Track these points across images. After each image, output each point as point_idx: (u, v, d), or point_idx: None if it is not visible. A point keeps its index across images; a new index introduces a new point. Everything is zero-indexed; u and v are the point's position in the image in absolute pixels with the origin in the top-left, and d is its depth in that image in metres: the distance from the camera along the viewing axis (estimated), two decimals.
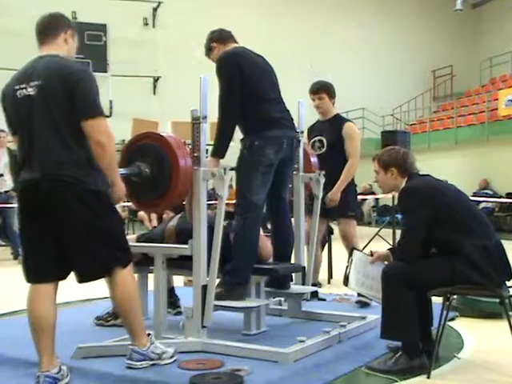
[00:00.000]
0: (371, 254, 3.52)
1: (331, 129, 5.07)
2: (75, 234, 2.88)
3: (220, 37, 3.99)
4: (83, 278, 3.00)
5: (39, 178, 2.84)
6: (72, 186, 2.83)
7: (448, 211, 3.18)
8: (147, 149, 3.44)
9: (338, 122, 5.11)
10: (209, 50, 4.01)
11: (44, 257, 2.91)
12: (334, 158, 4.94)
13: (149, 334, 3.18)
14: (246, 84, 3.72)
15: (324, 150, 5.07)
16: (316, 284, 5.08)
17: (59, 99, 2.85)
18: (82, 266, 2.95)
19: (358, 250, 3.82)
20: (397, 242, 3.47)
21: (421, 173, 3.44)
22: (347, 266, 3.66)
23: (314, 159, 4.69)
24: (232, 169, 3.56)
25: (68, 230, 2.88)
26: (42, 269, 2.91)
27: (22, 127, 2.95)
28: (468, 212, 3.24)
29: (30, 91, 2.88)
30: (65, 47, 3.06)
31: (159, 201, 3.50)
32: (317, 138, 5.13)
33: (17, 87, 2.93)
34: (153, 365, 3.14)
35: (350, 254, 3.73)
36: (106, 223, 2.95)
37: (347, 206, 5.01)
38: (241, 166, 3.78)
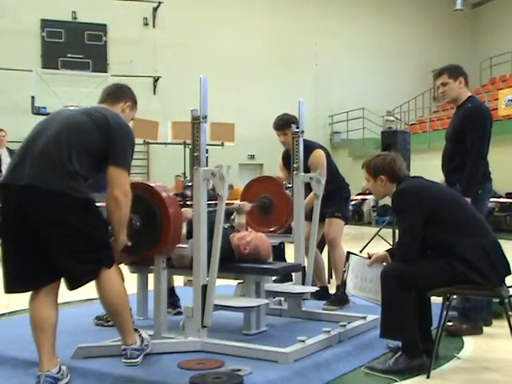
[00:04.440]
0: (369, 257, 3.51)
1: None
2: (63, 241, 2.84)
3: (462, 73, 4.27)
4: (73, 284, 2.95)
5: (29, 183, 2.81)
6: (60, 195, 2.81)
7: (441, 212, 3.19)
8: (137, 200, 3.29)
9: (306, 149, 4.65)
10: (441, 84, 4.23)
11: (24, 266, 2.87)
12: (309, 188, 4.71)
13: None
14: None
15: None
16: (324, 286, 5.10)
17: (93, 129, 2.98)
18: (71, 272, 2.91)
19: (354, 253, 3.79)
20: (396, 242, 3.46)
21: (412, 175, 3.45)
22: (344, 271, 3.66)
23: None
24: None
25: (55, 238, 2.84)
26: (21, 278, 2.89)
27: (37, 129, 3.01)
28: (462, 212, 3.25)
29: (72, 109, 3.13)
30: (120, 115, 3.23)
31: (151, 251, 3.47)
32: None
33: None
34: (147, 357, 3.21)
35: (347, 259, 3.71)
36: (93, 228, 2.93)
37: (334, 207, 5.01)
38: None
